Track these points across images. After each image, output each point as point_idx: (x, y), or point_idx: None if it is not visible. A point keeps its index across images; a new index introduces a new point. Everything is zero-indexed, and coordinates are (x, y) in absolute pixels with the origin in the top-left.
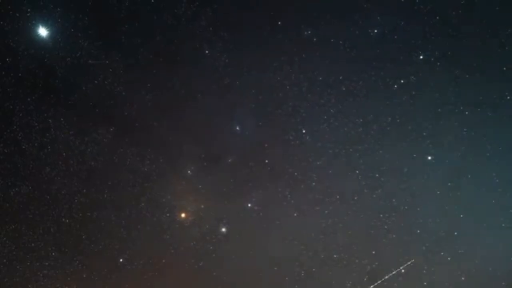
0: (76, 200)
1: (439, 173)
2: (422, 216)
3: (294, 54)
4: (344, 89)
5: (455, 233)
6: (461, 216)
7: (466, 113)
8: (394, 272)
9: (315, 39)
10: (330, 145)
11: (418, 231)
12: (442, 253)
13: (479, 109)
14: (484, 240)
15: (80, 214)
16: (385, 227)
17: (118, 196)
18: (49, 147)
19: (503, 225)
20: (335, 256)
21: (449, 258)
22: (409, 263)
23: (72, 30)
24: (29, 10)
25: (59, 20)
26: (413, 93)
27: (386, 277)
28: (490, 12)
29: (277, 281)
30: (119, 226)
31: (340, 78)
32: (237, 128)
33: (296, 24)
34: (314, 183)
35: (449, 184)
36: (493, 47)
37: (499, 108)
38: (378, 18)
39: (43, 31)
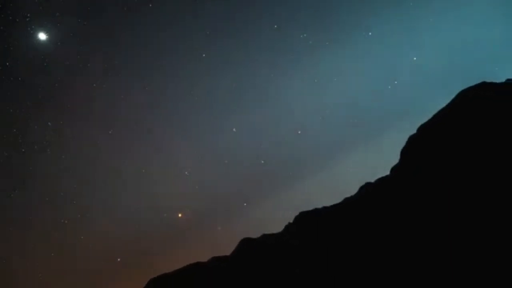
0: (74, 202)
1: None
2: None
3: (290, 57)
4: (339, 90)
5: None
6: None
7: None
8: None
9: (310, 42)
10: (325, 145)
11: None
12: None
13: None
14: None
15: (79, 215)
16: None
17: (116, 197)
18: (48, 150)
19: None
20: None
21: None
22: None
23: (71, 34)
24: (28, 15)
25: (58, 24)
26: (407, 93)
27: None
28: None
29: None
30: (118, 226)
31: (335, 80)
32: (234, 129)
33: (292, 27)
34: (308, 183)
35: None
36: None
37: None
38: (373, 21)
39: (42, 36)
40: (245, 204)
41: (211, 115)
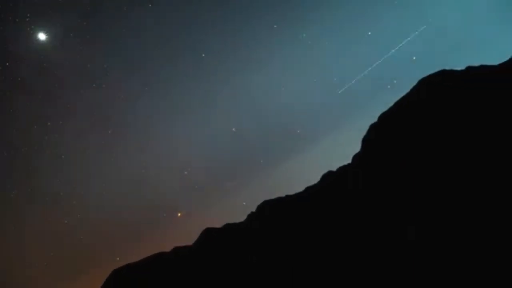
0: (74, 202)
1: None
2: None
3: (289, 57)
4: (338, 90)
5: None
6: None
7: None
8: None
9: (310, 42)
10: (324, 145)
11: None
12: None
13: None
14: None
15: (79, 215)
16: None
17: (116, 197)
18: (48, 150)
19: None
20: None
21: None
22: None
23: (71, 34)
24: (28, 15)
25: (58, 24)
26: (406, 93)
27: None
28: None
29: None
30: (117, 225)
31: (335, 79)
32: (233, 129)
33: (291, 27)
34: (306, 183)
35: None
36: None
37: None
38: (372, 21)
39: (42, 36)
40: (244, 203)
41: (211, 115)
